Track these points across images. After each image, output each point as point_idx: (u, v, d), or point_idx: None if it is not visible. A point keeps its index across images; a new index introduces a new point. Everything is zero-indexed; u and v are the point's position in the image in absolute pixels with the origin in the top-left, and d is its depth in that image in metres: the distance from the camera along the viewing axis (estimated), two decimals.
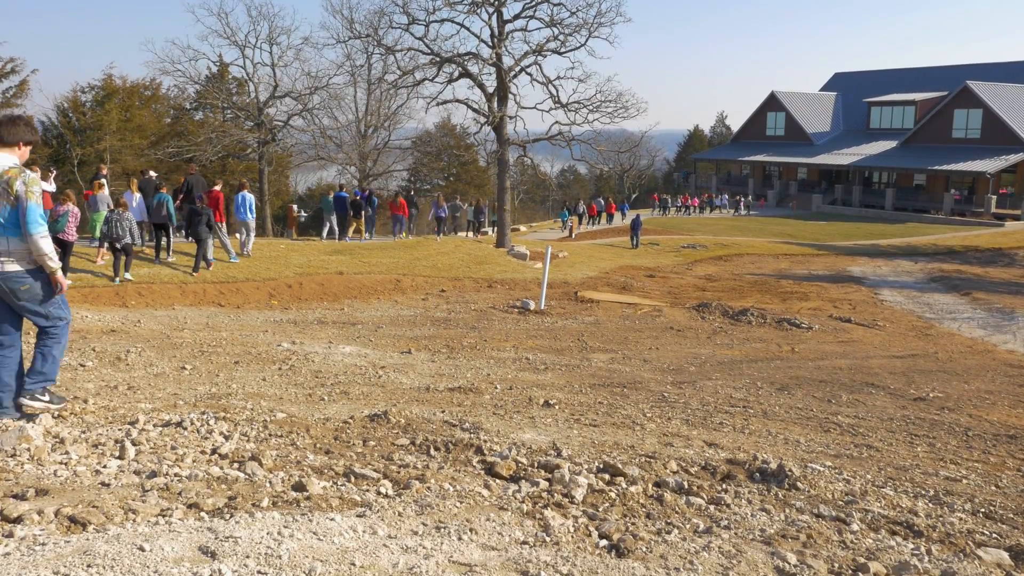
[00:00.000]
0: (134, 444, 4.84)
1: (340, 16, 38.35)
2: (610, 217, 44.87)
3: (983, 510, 4.75)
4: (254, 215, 18.43)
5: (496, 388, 8.55)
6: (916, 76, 58.51)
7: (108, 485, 4.07)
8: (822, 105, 59.72)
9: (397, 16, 27.07)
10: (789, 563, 3.48)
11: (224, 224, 18.52)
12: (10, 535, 3.26)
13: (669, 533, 3.82)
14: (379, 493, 4.17)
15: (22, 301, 5.00)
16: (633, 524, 3.94)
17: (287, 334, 12.03)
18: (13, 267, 4.80)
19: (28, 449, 4.58)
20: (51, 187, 15.77)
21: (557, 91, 26.70)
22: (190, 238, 17.07)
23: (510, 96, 26.45)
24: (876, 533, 4.08)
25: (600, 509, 4.17)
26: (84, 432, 5.16)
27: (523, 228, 41.60)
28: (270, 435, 5.40)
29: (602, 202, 45.89)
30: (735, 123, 73.51)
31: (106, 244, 15.61)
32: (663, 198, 51.59)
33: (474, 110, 26.67)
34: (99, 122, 35.65)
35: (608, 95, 26.97)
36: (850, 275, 25.13)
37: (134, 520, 3.49)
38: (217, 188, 18.70)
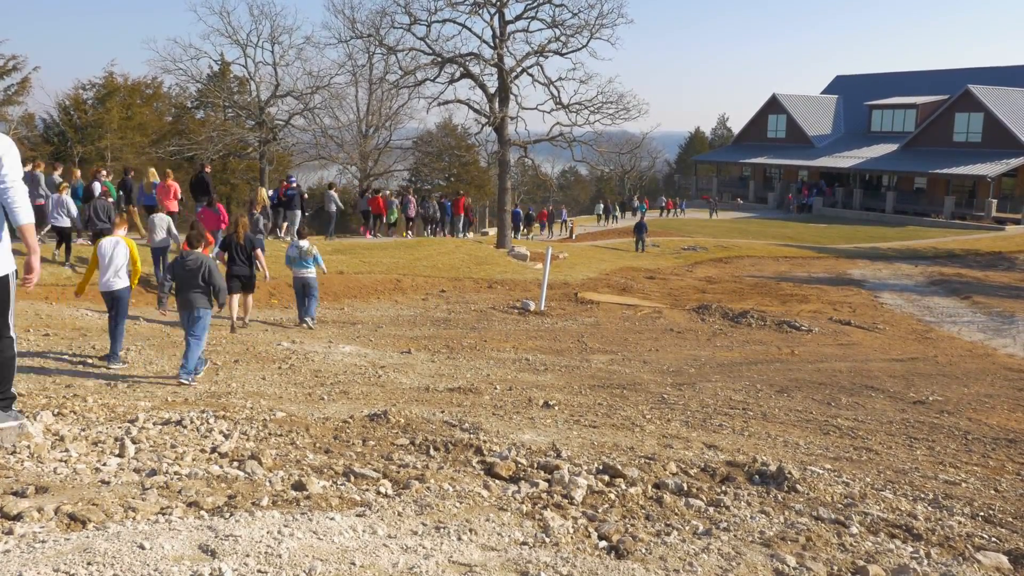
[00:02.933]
0: (134, 442, 4.84)
1: (342, 16, 38.11)
2: (670, 211, 50.10)
3: (982, 514, 4.75)
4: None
5: (496, 389, 8.55)
6: (917, 79, 58.45)
7: (108, 483, 4.07)
8: (823, 108, 59.66)
9: (399, 16, 26.99)
10: (788, 565, 3.48)
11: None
12: (10, 532, 3.26)
13: (668, 535, 3.82)
14: (379, 493, 4.17)
15: (313, 290, 12.78)
16: (632, 525, 3.94)
17: (287, 333, 12.03)
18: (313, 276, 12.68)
19: (28, 446, 4.58)
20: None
21: (558, 92, 26.68)
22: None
23: (511, 97, 26.41)
24: (875, 536, 4.09)
25: (599, 510, 4.18)
26: (84, 430, 5.16)
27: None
28: (270, 434, 5.41)
29: (664, 199, 51.68)
30: (736, 125, 73.43)
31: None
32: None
33: (475, 111, 26.64)
34: (100, 120, 35.61)
35: (609, 96, 26.92)
36: (850, 278, 25.12)
37: (134, 518, 3.50)
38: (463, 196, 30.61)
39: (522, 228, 36.74)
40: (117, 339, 8.87)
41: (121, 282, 9.01)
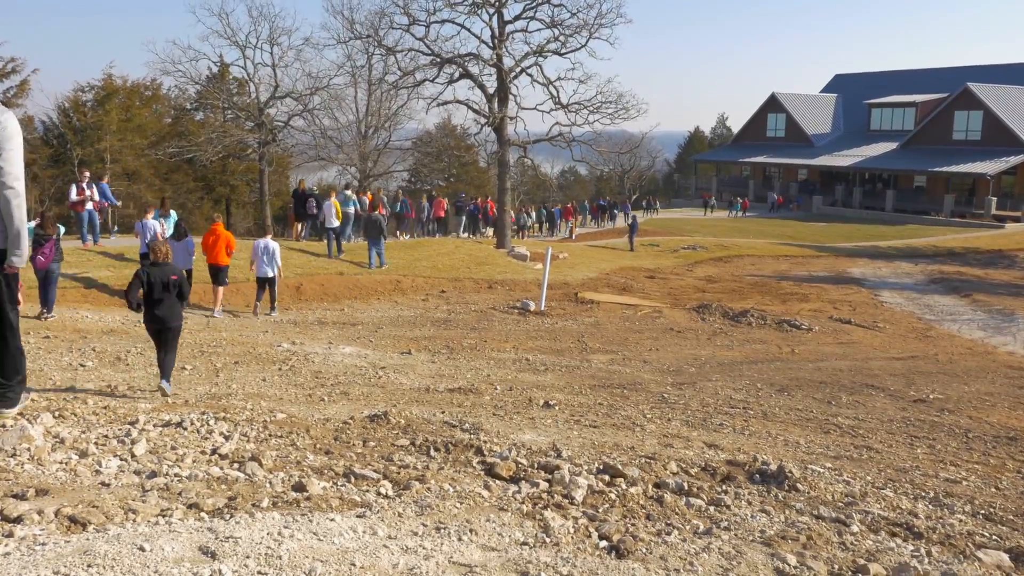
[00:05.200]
0: (134, 444, 4.84)
1: (341, 17, 38.15)
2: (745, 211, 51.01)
3: (983, 512, 4.75)
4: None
5: (496, 389, 8.55)
6: (917, 78, 58.47)
7: (108, 485, 4.07)
8: (823, 106, 59.68)
9: (398, 17, 26.95)
10: (789, 564, 3.48)
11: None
12: (10, 535, 3.26)
13: (669, 534, 3.82)
14: (379, 494, 4.17)
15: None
16: (633, 525, 3.94)
17: (287, 334, 12.03)
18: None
19: (28, 449, 4.58)
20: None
21: (558, 92, 26.62)
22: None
23: (511, 97, 26.37)
24: (876, 535, 4.09)
25: (600, 510, 4.18)
26: (84, 432, 5.16)
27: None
28: (270, 435, 5.40)
29: (740, 200, 52.62)
30: (735, 124, 73.43)
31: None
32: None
33: (474, 111, 26.61)
34: (99, 122, 35.58)
35: (609, 96, 26.87)
36: (850, 276, 25.12)
37: (134, 520, 3.50)
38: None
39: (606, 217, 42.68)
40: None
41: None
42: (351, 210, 21.80)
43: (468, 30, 26.79)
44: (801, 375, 10.32)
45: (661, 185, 74.53)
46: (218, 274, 14.04)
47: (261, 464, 4.55)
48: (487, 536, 3.57)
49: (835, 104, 60.35)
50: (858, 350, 13.10)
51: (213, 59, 37.39)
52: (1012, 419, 8.23)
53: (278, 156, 40.52)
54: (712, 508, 4.33)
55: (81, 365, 8.93)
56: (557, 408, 7.47)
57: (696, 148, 74.92)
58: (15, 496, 3.77)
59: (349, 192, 23.06)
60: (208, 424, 5.46)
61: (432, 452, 5.18)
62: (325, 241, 20.20)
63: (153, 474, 4.28)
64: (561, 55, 26.64)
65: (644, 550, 3.54)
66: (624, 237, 32.53)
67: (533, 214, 38.69)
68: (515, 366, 10.35)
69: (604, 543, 3.64)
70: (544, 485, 4.48)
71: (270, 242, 14.25)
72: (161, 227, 14.94)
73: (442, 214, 28.94)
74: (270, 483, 4.21)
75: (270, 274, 14.18)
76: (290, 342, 11.14)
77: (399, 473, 4.60)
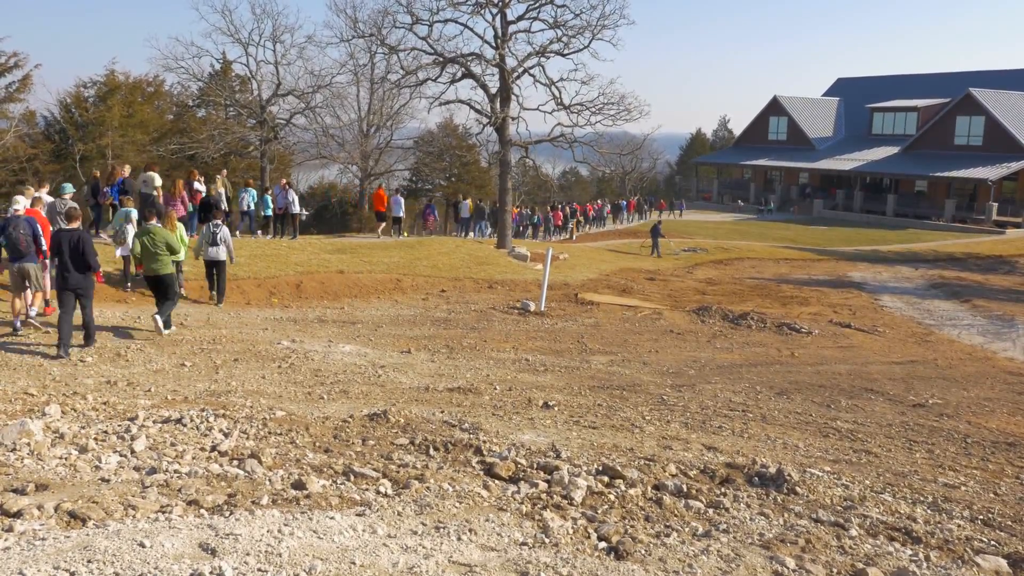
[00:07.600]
0: (133, 440, 4.84)
1: (344, 15, 38.35)
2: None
3: (981, 517, 4.75)
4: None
5: (496, 389, 8.55)
6: (919, 82, 58.41)
7: (108, 481, 4.07)
8: (824, 110, 59.62)
9: (401, 16, 26.94)
10: (788, 568, 3.48)
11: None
12: (10, 529, 3.26)
13: (668, 536, 3.83)
14: (379, 492, 4.18)
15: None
16: (632, 527, 3.94)
17: (287, 332, 12.03)
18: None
19: (28, 443, 4.58)
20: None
21: (560, 92, 26.59)
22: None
23: (513, 97, 26.35)
24: (875, 539, 4.09)
25: (599, 511, 4.18)
26: (84, 427, 5.16)
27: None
28: (269, 433, 5.41)
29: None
30: (737, 127, 73.54)
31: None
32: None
33: (476, 111, 26.60)
34: (101, 118, 35.58)
35: (611, 97, 26.84)
36: (850, 280, 25.11)
37: (134, 516, 3.50)
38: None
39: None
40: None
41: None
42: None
43: (471, 30, 26.81)
44: (800, 378, 10.32)
45: (662, 187, 74.52)
46: (382, 215, 24.97)
47: (261, 461, 4.56)
48: (486, 536, 3.57)
49: (837, 108, 60.33)
50: (858, 354, 13.10)
51: (216, 56, 37.46)
52: (1011, 425, 8.24)
53: (280, 154, 40.53)
54: (711, 510, 4.33)
55: (81, 360, 8.93)
56: (556, 409, 7.47)
57: (697, 150, 74.91)
58: (15, 491, 3.77)
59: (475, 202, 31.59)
60: (208, 421, 5.47)
61: (431, 451, 5.18)
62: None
63: (153, 470, 4.28)
64: (564, 56, 26.64)
65: (643, 551, 3.55)
66: (626, 239, 32.32)
67: (609, 206, 42.24)
68: (515, 366, 10.36)
69: (603, 544, 3.65)
70: (543, 485, 4.49)
71: (399, 197, 25.82)
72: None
73: (559, 223, 36.85)
74: (270, 480, 4.22)
75: (398, 214, 25.19)
76: (290, 340, 11.14)
77: (398, 472, 4.60)
